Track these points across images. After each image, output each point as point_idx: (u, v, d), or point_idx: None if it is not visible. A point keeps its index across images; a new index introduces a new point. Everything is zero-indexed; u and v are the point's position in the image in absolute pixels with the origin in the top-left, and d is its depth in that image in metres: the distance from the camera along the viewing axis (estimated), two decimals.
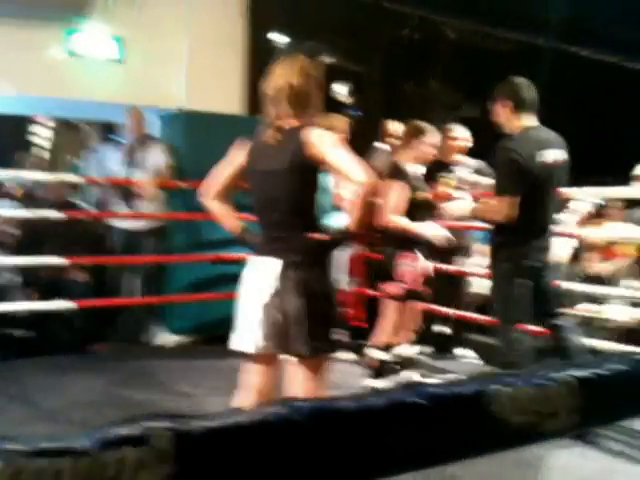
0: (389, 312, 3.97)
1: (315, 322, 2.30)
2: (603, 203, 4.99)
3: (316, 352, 2.33)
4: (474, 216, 3.67)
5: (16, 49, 4.80)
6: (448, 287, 4.88)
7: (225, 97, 5.45)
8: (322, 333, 2.34)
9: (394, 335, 3.98)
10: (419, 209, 3.92)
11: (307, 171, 2.35)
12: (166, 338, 5.10)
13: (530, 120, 3.32)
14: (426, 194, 4.03)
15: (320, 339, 2.33)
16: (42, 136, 6.14)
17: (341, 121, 4.43)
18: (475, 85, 8.07)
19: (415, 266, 3.90)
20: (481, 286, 5.29)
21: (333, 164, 2.31)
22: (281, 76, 2.41)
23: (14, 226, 4.66)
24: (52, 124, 6.45)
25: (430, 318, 4.94)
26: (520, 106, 3.32)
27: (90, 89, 5.13)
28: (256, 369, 2.46)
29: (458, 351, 4.95)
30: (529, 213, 3.20)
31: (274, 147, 2.39)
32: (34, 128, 6.16)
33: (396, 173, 3.94)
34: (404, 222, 3.85)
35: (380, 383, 3.86)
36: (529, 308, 3.34)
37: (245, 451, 0.69)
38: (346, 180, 2.36)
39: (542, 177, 3.23)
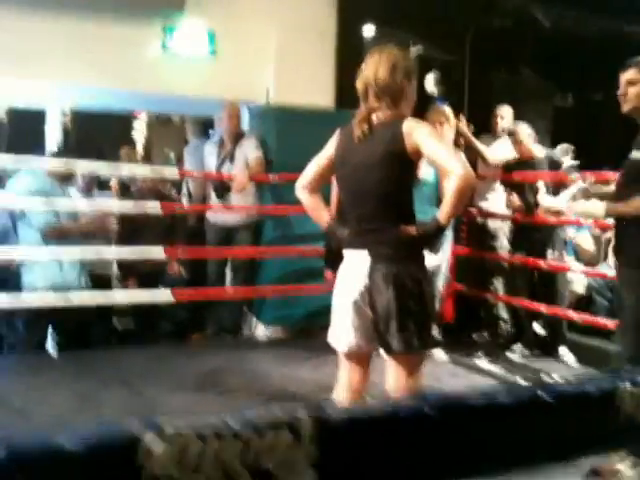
0: None
1: (405, 318, 2.26)
2: None
3: (407, 348, 2.28)
4: (610, 215, 3.15)
5: (114, 45, 4.96)
6: (546, 284, 4.76)
7: (315, 90, 5.47)
8: (413, 329, 2.28)
9: None
10: None
11: (400, 163, 2.31)
12: (260, 329, 5.21)
13: None
14: None
15: (411, 335, 2.27)
16: (139, 131, 6.37)
17: (440, 112, 4.41)
18: (568, 74, 7.80)
19: None
20: (580, 284, 5.16)
21: (429, 155, 2.28)
22: (369, 69, 2.40)
23: (115, 219, 4.85)
24: (148, 119, 6.68)
25: (530, 317, 4.84)
26: None
27: (184, 84, 5.25)
28: (349, 365, 2.46)
29: (561, 350, 4.74)
30: None
31: (365, 140, 2.37)
32: (132, 123, 6.40)
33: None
34: None
35: None
36: None
37: (379, 440, 0.71)
38: (442, 171, 2.33)
39: None
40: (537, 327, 4.97)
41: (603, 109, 7.43)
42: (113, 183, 5.20)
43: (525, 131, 4.80)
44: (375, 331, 2.32)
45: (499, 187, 5.12)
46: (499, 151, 5.03)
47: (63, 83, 5.05)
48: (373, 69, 2.38)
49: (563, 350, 4.70)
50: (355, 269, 2.35)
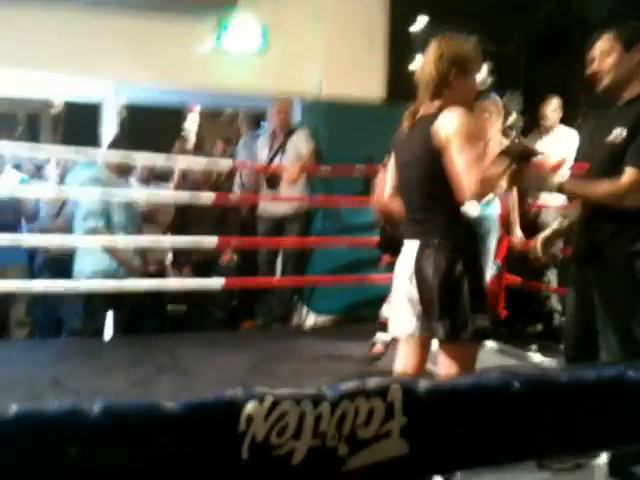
0: None
1: (449, 307, 2.26)
2: None
3: (452, 337, 2.28)
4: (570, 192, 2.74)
5: (167, 43, 5.05)
6: None
7: (365, 83, 5.48)
8: (458, 319, 2.27)
9: None
10: None
11: (436, 158, 2.25)
12: (309, 318, 5.27)
13: None
14: None
15: (455, 325, 2.26)
16: (193, 125, 6.48)
17: (485, 106, 4.34)
18: None
19: None
20: None
21: (453, 161, 2.20)
22: (422, 62, 2.38)
23: (170, 208, 4.96)
24: (202, 113, 6.78)
25: None
26: None
27: (236, 79, 5.31)
28: (405, 350, 2.49)
29: None
30: None
31: (409, 135, 2.38)
32: (186, 117, 6.50)
33: None
34: None
35: None
36: None
37: (463, 411, 0.73)
38: (455, 183, 2.23)
39: None
40: None
41: None
42: (175, 174, 5.31)
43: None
44: (423, 318, 2.35)
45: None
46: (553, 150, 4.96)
47: (118, 80, 5.17)
48: (424, 58, 2.36)
49: None
50: (408, 258, 2.39)
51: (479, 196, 2.28)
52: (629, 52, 2.49)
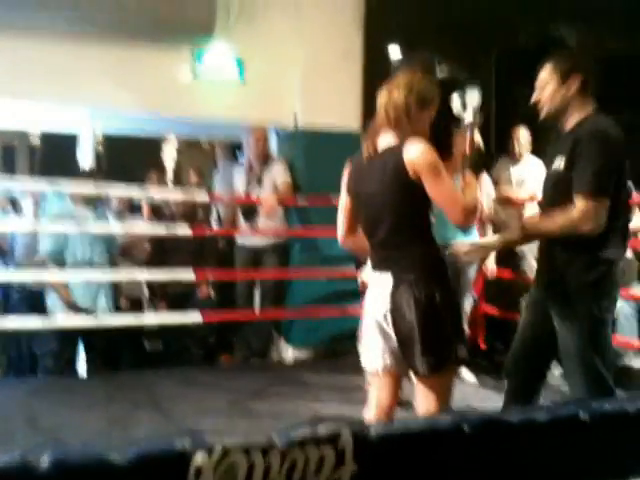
0: None
1: (429, 341, 2.25)
2: None
3: (431, 371, 2.28)
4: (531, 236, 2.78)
5: (144, 70, 5.06)
6: None
7: (342, 113, 5.51)
8: (438, 352, 2.27)
9: None
10: None
11: (409, 189, 2.26)
12: (288, 352, 5.23)
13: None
14: None
15: (435, 358, 2.27)
16: (170, 155, 6.48)
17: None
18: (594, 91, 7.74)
19: None
20: None
21: (430, 194, 2.24)
22: (385, 92, 2.38)
23: (146, 241, 4.93)
24: (178, 142, 6.79)
25: None
26: (590, 85, 2.62)
27: (212, 108, 5.33)
28: (378, 385, 2.46)
29: None
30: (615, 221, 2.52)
31: (374, 165, 2.36)
32: (163, 147, 6.51)
33: None
34: None
35: None
36: None
37: (416, 455, 0.73)
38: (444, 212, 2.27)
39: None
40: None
41: (631, 128, 7.37)
42: (144, 206, 5.28)
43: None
44: (400, 353, 2.33)
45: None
46: (525, 179, 5.03)
47: (95, 107, 5.17)
48: (390, 90, 2.36)
49: None
50: (380, 291, 2.36)
51: (469, 221, 2.29)
52: (565, 83, 2.57)
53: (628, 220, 2.68)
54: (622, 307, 5.20)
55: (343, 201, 2.54)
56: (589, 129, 2.51)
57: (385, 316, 2.33)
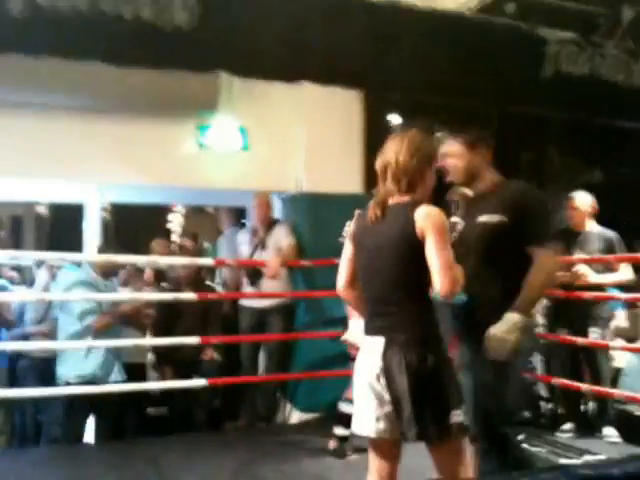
0: None
1: (420, 406, 2.21)
2: None
3: (421, 438, 2.23)
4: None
5: (151, 145, 5.18)
6: (585, 361, 4.69)
7: (344, 178, 5.59)
8: (430, 418, 2.22)
9: None
10: None
11: (413, 247, 2.27)
12: (294, 415, 5.18)
13: None
14: None
15: (427, 425, 2.21)
16: (176, 222, 6.56)
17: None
18: (595, 150, 7.85)
19: None
20: (620, 359, 5.08)
21: (427, 257, 2.25)
22: (390, 151, 2.40)
23: (150, 307, 4.97)
24: (184, 211, 6.89)
25: (575, 395, 4.73)
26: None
27: (218, 178, 5.43)
28: (376, 452, 2.40)
29: (605, 431, 4.57)
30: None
31: (380, 222, 2.37)
32: (169, 215, 6.59)
33: None
34: None
35: None
36: None
37: None
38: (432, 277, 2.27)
39: None
40: (583, 406, 4.84)
41: (632, 183, 7.42)
42: (147, 273, 5.34)
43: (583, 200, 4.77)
44: (395, 418, 2.27)
45: None
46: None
47: (102, 182, 5.29)
48: (395, 151, 2.38)
49: (608, 431, 4.55)
50: (371, 354, 2.33)
51: (454, 292, 2.28)
52: (473, 152, 2.88)
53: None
54: (631, 361, 5.20)
55: (347, 251, 2.53)
56: (522, 189, 2.82)
57: (379, 379, 2.29)
